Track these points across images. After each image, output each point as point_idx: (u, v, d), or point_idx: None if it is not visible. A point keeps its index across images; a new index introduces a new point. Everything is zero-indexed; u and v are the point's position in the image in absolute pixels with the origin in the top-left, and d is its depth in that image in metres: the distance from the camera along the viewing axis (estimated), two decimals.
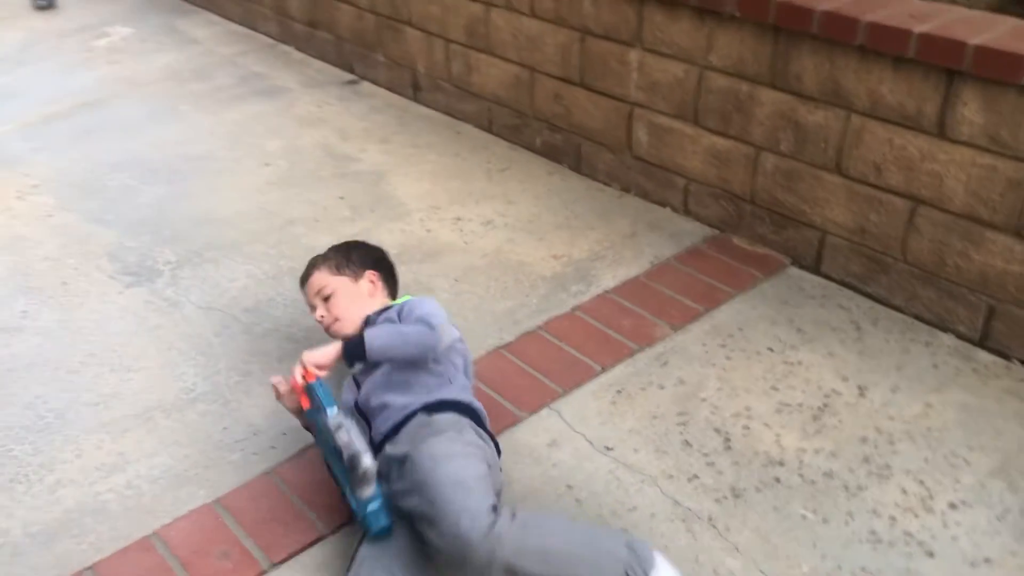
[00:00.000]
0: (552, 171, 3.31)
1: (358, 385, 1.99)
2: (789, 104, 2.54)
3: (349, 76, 4.17)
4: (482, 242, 2.89)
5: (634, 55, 2.90)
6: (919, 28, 2.18)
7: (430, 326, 1.91)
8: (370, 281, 2.19)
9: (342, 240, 2.35)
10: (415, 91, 3.88)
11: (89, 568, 1.81)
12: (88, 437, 2.16)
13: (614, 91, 3.03)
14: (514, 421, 2.15)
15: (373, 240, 2.39)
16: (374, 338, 1.87)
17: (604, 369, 2.31)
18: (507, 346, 2.40)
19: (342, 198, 3.15)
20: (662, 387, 2.25)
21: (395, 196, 3.16)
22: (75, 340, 2.50)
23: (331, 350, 1.87)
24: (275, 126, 3.70)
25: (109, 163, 3.47)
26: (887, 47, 2.25)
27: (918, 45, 2.18)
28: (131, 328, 2.54)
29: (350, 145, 3.53)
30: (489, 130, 3.59)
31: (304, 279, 2.24)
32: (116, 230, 3.02)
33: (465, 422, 1.83)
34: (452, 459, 1.69)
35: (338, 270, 2.19)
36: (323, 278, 2.17)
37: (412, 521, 1.69)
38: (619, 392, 2.24)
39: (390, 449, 1.81)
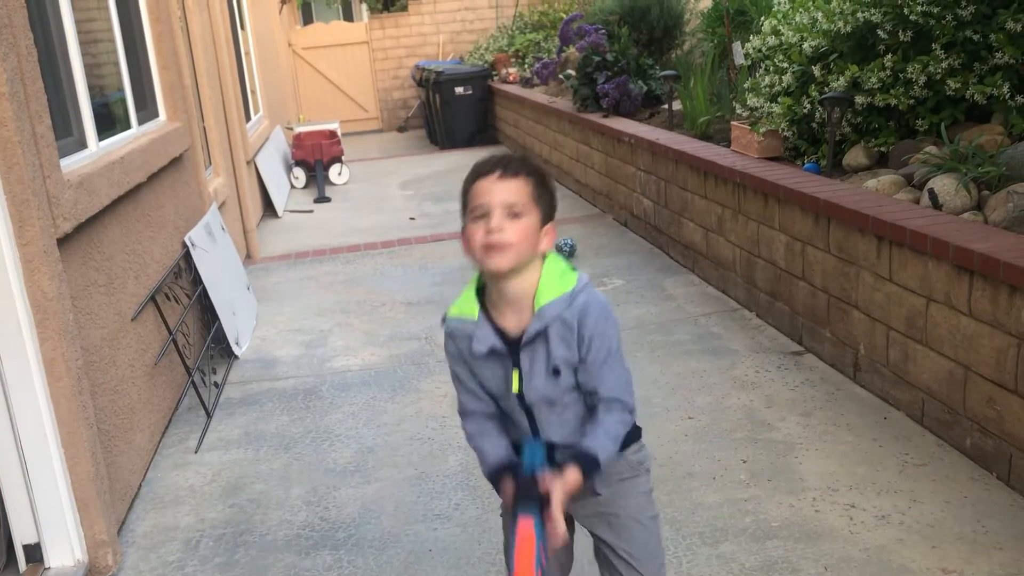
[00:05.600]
0: (976, 477, 3.08)
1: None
2: None
3: (796, 347, 4.35)
4: (868, 535, 2.79)
5: None
6: None
7: (629, 408, 1.88)
8: (546, 234, 1.82)
9: (728, 500, 2.48)
10: (855, 371, 3.91)
11: None
12: None
13: None
14: None
15: (761, 514, 2.48)
16: (601, 451, 1.82)
17: None
18: None
19: (744, 461, 3.30)
20: None
21: (796, 470, 3.21)
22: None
23: (569, 482, 1.78)
24: (710, 383, 4.01)
25: None
26: None
27: None
28: None
29: (772, 413, 3.68)
30: (920, 421, 3.47)
31: (493, 172, 1.76)
32: None
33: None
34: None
35: (537, 199, 1.78)
36: (524, 193, 1.75)
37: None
38: None
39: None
